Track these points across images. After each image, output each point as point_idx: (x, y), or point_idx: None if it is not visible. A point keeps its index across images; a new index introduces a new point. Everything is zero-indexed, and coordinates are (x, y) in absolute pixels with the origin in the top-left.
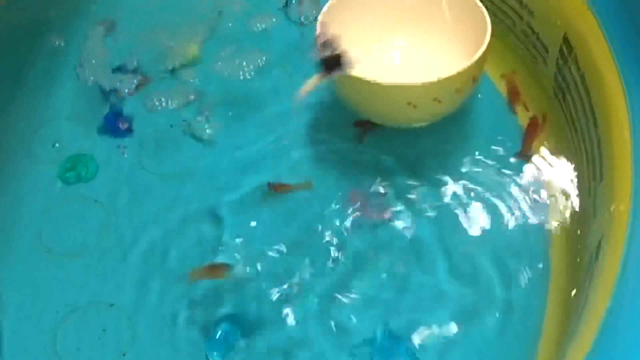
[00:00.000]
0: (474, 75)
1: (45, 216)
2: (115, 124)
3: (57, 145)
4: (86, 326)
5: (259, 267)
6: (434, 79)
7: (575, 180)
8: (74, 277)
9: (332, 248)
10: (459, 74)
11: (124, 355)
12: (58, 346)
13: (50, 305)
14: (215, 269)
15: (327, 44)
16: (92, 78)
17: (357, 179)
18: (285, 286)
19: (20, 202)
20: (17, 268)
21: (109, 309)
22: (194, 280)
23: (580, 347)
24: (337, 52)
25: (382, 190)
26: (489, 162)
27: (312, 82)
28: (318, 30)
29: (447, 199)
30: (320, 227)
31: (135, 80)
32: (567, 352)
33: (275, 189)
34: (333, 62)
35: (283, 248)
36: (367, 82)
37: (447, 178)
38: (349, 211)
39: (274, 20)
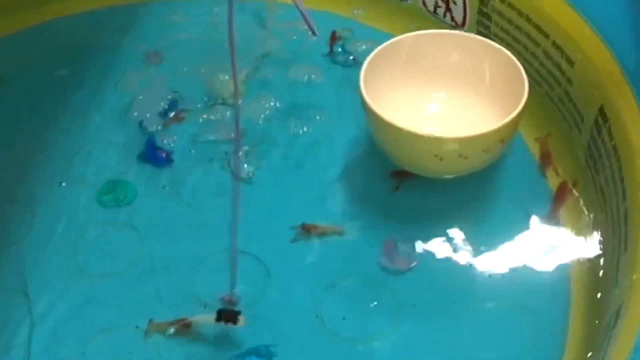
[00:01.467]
0: (502, 137)
1: (80, 237)
2: (155, 153)
3: (96, 168)
4: (114, 349)
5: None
6: (463, 135)
7: (600, 247)
8: (105, 299)
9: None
10: (485, 134)
11: None
12: None
13: (79, 324)
14: (180, 324)
15: (228, 300)
16: (133, 107)
17: (389, 227)
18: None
19: (57, 221)
20: (49, 285)
21: (137, 334)
22: (153, 331)
23: None
24: (234, 309)
25: (410, 240)
26: (516, 221)
27: (205, 319)
28: (362, 83)
29: (470, 255)
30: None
31: (176, 112)
32: None
33: (307, 230)
34: (227, 317)
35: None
36: (398, 129)
37: (473, 233)
38: (379, 259)
39: (318, 65)
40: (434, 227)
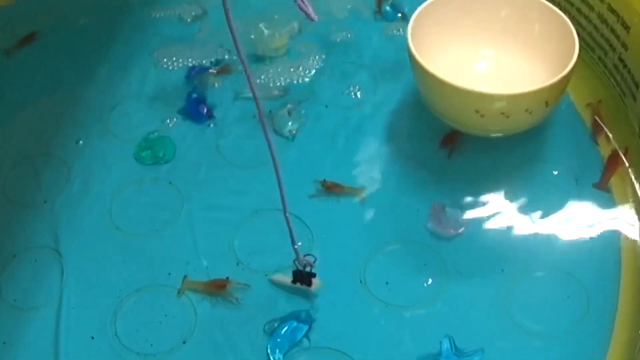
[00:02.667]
0: (546, 99)
1: (116, 194)
2: (196, 109)
3: (135, 123)
4: (149, 309)
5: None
6: (504, 92)
7: None
8: (141, 258)
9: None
10: (528, 94)
11: (184, 343)
12: (118, 325)
13: (113, 283)
14: (215, 285)
15: (304, 263)
16: (174, 61)
17: (437, 192)
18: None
19: (93, 178)
20: (83, 242)
21: (174, 295)
22: (185, 290)
23: None
24: (310, 272)
25: (459, 204)
26: (566, 188)
27: (283, 279)
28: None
29: (519, 222)
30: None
31: (219, 68)
32: None
33: (327, 188)
34: (302, 279)
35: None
36: (440, 81)
37: (523, 200)
38: (427, 223)
39: (365, 24)
40: (483, 193)
